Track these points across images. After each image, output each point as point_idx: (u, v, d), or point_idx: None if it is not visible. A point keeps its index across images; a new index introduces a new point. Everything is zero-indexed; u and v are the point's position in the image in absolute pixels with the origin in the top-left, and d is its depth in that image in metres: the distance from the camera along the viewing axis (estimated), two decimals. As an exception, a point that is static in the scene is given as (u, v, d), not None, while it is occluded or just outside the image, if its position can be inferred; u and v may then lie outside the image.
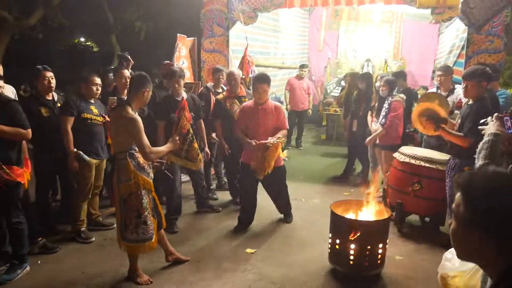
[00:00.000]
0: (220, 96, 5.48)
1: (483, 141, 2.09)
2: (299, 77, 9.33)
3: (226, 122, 5.37)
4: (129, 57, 5.60)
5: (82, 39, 21.69)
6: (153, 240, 3.56)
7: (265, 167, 4.57)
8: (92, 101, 4.59)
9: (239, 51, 7.41)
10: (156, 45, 16.22)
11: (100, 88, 4.63)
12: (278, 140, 4.59)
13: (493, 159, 1.99)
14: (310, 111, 9.68)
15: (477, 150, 2.09)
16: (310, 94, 9.53)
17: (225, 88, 5.75)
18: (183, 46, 7.39)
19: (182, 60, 7.25)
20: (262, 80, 4.69)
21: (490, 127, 2.16)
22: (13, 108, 3.60)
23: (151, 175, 3.61)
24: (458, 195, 1.27)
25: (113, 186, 3.64)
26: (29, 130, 3.68)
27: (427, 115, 4.14)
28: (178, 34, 7.35)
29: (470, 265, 2.89)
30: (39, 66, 4.37)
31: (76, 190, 4.55)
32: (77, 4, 14.27)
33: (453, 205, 1.28)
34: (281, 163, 4.90)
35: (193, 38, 7.79)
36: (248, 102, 4.92)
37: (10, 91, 4.54)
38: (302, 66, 9.44)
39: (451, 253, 3.21)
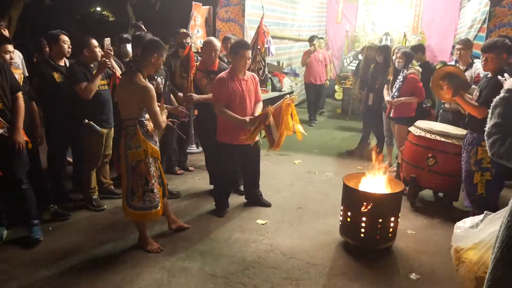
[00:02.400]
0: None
1: (499, 96, 1.98)
2: (310, 52, 9.05)
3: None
4: (142, 26, 5.54)
5: (98, 9, 21.63)
6: (158, 208, 3.58)
7: (278, 137, 4.12)
8: (92, 65, 4.38)
9: (254, 21, 7.28)
10: (172, 14, 16.07)
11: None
12: (289, 100, 4.06)
13: (508, 117, 1.91)
14: (327, 82, 9.44)
15: (492, 105, 2.00)
16: (328, 64, 9.27)
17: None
18: (198, 14, 7.28)
19: (197, 29, 7.16)
20: (247, 46, 4.26)
21: (509, 82, 2.05)
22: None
23: (158, 143, 3.61)
24: None
25: (119, 153, 3.62)
26: None
27: (449, 79, 4.05)
28: (194, 2, 7.24)
29: (483, 237, 2.87)
30: (54, 31, 4.33)
31: (85, 159, 4.54)
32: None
33: None
34: (255, 138, 4.39)
35: (208, 6, 7.67)
36: (223, 74, 4.27)
37: (17, 57, 4.49)
38: (311, 39, 9.09)
39: (462, 223, 3.20)
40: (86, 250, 3.68)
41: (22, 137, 3.58)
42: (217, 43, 4.76)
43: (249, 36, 7.31)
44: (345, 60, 11.30)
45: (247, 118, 4.20)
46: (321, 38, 9.39)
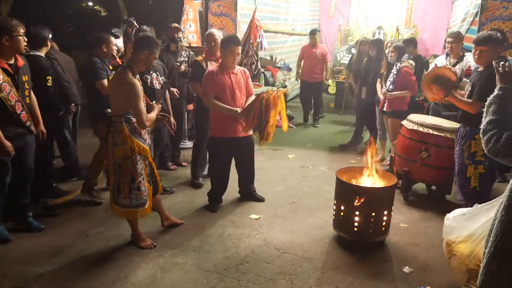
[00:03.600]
0: (199, 58, 5.03)
1: (493, 94, 2.01)
2: (311, 45, 8.48)
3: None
4: (134, 22, 5.49)
5: (90, 3, 21.44)
6: (146, 206, 3.54)
7: (268, 129, 4.14)
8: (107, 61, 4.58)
9: (247, 16, 7.25)
10: (165, 9, 15.96)
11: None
12: (279, 92, 4.14)
13: (503, 114, 1.92)
14: (326, 81, 9.13)
15: (486, 104, 2.02)
16: (328, 60, 8.77)
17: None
18: (190, 8, 7.25)
19: (189, 23, 7.13)
20: (237, 41, 4.28)
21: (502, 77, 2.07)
22: None
23: (148, 141, 3.57)
24: None
25: (107, 149, 3.58)
26: None
27: (438, 82, 4.07)
28: (186, -3, 7.21)
29: (474, 230, 2.89)
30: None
31: (100, 151, 4.57)
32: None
33: None
34: (249, 132, 4.44)
35: (201, 1, 7.63)
36: (213, 68, 4.33)
37: None
38: (313, 33, 8.51)
39: (452, 214, 3.22)
40: (79, 246, 3.66)
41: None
42: (217, 32, 5.07)
43: (241, 31, 7.27)
44: (338, 54, 11.29)
45: (238, 109, 4.19)
46: (319, 31, 8.89)
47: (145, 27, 4.92)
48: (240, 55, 4.32)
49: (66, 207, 4.44)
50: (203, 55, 5.06)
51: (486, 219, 2.76)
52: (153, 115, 3.51)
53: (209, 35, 5.04)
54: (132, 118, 3.39)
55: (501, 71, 2.04)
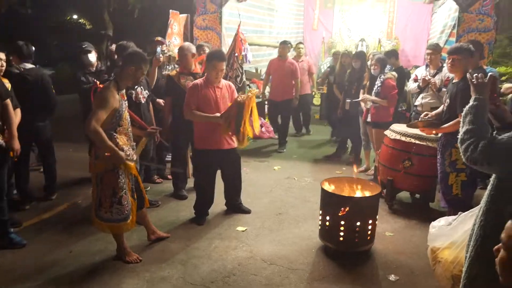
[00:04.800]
0: (172, 72, 5.00)
1: (469, 105, 2.07)
2: (281, 58, 7.49)
3: (179, 101, 4.69)
4: (111, 34, 5.50)
5: (75, 17, 21.38)
6: (128, 221, 3.50)
7: (245, 131, 4.16)
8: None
9: (232, 29, 7.32)
10: (151, 23, 16.00)
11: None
12: (250, 93, 4.17)
13: (479, 123, 1.98)
14: (314, 91, 9.04)
15: (463, 114, 2.08)
16: (313, 72, 8.72)
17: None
18: (175, 22, 7.28)
19: (174, 36, 7.15)
20: (222, 57, 4.27)
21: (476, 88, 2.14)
22: None
23: (133, 157, 3.52)
24: (510, 226, 1.25)
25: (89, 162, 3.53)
26: None
27: (423, 126, 4.16)
28: (171, 10, 7.24)
29: (458, 236, 2.94)
30: None
31: None
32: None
33: (503, 235, 1.25)
34: (234, 144, 4.44)
35: (186, 15, 7.69)
36: (198, 81, 4.35)
37: None
38: (283, 43, 7.59)
39: (437, 222, 3.28)
40: (63, 262, 3.62)
41: (18, 144, 3.70)
42: (192, 47, 5.02)
43: (226, 44, 7.34)
44: (322, 66, 11.41)
45: (217, 114, 4.18)
46: (301, 43, 8.71)
47: (125, 42, 4.93)
48: (224, 71, 4.32)
49: (50, 221, 4.40)
50: (177, 70, 5.05)
51: (469, 226, 2.82)
52: (108, 141, 3.24)
53: (181, 49, 5.00)
54: (114, 134, 3.36)
55: (475, 82, 2.11)
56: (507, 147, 1.81)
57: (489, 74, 2.14)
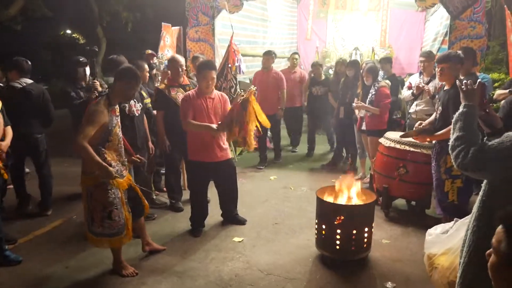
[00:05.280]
0: (161, 86, 4.99)
1: (459, 112, 2.08)
2: (265, 70, 7.19)
3: (170, 114, 4.81)
4: (97, 49, 5.49)
5: (69, 31, 21.45)
6: (122, 235, 3.46)
7: (249, 132, 4.17)
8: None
9: (225, 40, 7.34)
10: (143, 36, 16.09)
11: None
12: (250, 90, 4.16)
13: (469, 130, 1.99)
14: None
15: (453, 121, 2.09)
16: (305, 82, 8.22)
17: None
18: (167, 35, 7.33)
19: (167, 49, 7.19)
20: (211, 66, 4.30)
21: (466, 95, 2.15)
22: None
23: (123, 172, 3.48)
24: (500, 231, 1.25)
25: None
26: None
27: (417, 134, 4.17)
28: (163, 23, 7.29)
29: (454, 243, 2.94)
30: None
31: None
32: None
33: (494, 240, 1.26)
34: (229, 156, 4.50)
35: (178, 27, 7.72)
36: (191, 92, 4.39)
37: None
38: (266, 53, 7.23)
39: (434, 229, 3.27)
40: (59, 278, 3.59)
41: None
42: (181, 58, 5.02)
43: (220, 55, 7.37)
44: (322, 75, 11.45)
45: (214, 125, 4.18)
46: (296, 53, 8.43)
47: (115, 56, 4.93)
48: (214, 80, 4.35)
49: (45, 237, 4.37)
50: (166, 82, 5.05)
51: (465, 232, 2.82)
52: (95, 156, 3.22)
53: (173, 61, 4.97)
54: (102, 149, 3.32)
55: (464, 89, 2.12)
56: (497, 153, 1.82)
57: (478, 80, 2.16)
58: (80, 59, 5.24)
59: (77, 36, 21.43)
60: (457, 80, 2.23)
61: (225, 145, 4.44)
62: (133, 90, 3.48)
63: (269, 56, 7.09)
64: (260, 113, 4.28)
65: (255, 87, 4.29)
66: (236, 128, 4.17)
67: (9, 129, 4.14)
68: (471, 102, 2.08)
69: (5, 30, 14.25)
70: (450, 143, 2.04)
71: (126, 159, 3.56)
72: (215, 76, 4.34)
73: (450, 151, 2.03)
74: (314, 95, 7.56)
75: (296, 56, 8.12)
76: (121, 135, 3.50)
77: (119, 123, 3.48)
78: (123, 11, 15.88)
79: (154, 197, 5.29)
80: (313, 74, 7.64)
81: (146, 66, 4.85)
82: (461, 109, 2.08)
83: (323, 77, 7.73)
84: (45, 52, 21.06)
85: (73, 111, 5.09)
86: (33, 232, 4.52)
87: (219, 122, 4.22)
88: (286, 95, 7.17)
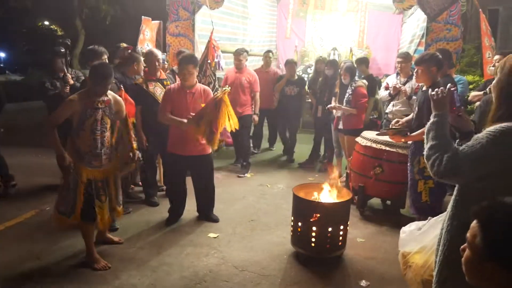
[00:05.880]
0: (139, 80, 4.91)
1: (430, 122, 2.11)
2: (238, 68, 6.67)
3: (147, 108, 4.79)
4: (69, 42, 5.39)
5: (47, 23, 21.02)
6: (67, 217, 3.51)
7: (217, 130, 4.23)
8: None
9: (205, 36, 7.31)
10: (123, 30, 15.84)
11: None
12: (224, 90, 4.20)
13: (441, 138, 2.02)
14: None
15: (425, 131, 2.12)
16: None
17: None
18: (147, 28, 7.25)
19: (146, 43, 7.11)
20: (188, 60, 4.31)
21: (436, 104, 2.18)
22: None
23: (92, 163, 3.51)
24: (475, 225, 1.26)
25: None
26: None
27: (393, 134, 4.21)
28: (143, 17, 7.21)
29: (428, 241, 2.98)
30: None
31: None
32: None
33: (468, 234, 1.27)
34: (208, 151, 4.51)
35: (158, 21, 7.65)
36: (174, 85, 4.51)
37: None
38: (238, 52, 6.67)
39: (408, 227, 3.32)
40: (31, 270, 3.52)
41: None
42: (158, 52, 5.05)
43: (199, 51, 7.33)
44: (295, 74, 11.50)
45: (184, 120, 4.21)
46: (270, 51, 8.02)
47: (96, 46, 4.84)
48: (192, 73, 4.33)
49: (16, 228, 4.27)
50: (143, 76, 5.01)
51: (439, 231, 2.87)
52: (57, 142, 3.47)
53: (150, 55, 4.96)
54: (76, 138, 3.50)
55: (434, 98, 2.15)
56: (469, 156, 1.86)
57: (448, 86, 2.18)
58: (58, 50, 5.15)
59: (55, 28, 20.98)
60: (429, 90, 2.26)
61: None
62: (102, 88, 3.50)
63: (239, 54, 6.55)
64: (232, 114, 4.31)
65: (229, 87, 4.30)
66: (203, 125, 4.17)
67: None
68: (442, 111, 2.10)
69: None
70: (425, 152, 2.06)
71: (102, 152, 3.54)
72: (192, 70, 4.32)
73: (425, 160, 2.05)
74: (287, 95, 7.16)
75: (270, 54, 7.74)
76: (98, 129, 3.49)
77: (99, 118, 3.49)
78: (102, 4, 15.63)
79: (130, 191, 5.25)
80: (284, 73, 7.38)
81: (142, 59, 4.89)
82: (432, 118, 2.11)
83: (296, 76, 7.34)
84: (22, 42, 20.63)
85: (48, 103, 5.02)
86: (4, 223, 4.42)
87: (191, 115, 4.20)
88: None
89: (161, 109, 4.35)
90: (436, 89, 2.16)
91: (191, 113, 4.21)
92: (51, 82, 4.98)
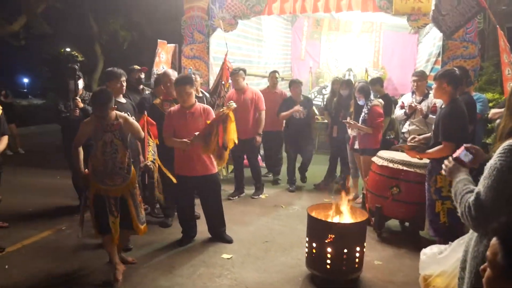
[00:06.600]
0: (157, 101, 5.00)
1: (452, 186, 2.06)
2: (239, 92, 6.30)
3: (162, 128, 4.68)
4: (76, 67, 5.39)
5: (68, 49, 21.59)
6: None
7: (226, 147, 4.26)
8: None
9: (220, 59, 7.39)
10: (140, 53, 16.17)
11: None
12: (229, 106, 4.21)
13: (463, 192, 1.96)
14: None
15: (452, 194, 2.06)
16: None
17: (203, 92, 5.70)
18: (163, 51, 7.36)
19: (162, 65, 7.20)
20: (183, 82, 4.31)
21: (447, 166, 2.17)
22: None
23: (105, 181, 3.61)
24: (495, 243, 1.21)
25: None
26: None
27: (409, 149, 4.14)
28: (159, 40, 7.32)
29: (450, 264, 2.87)
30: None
31: None
32: (61, 13, 14.13)
33: (488, 253, 1.22)
34: (214, 170, 4.51)
35: (174, 45, 7.77)
36: (175, 107, 4.52)
37: None
38: (233, 73, 6.36)
39: (429, 249, 3.20)
40: (45, 287, 3.50)
41: None
42: (172, 73, 5.04)
43: (214, 73, 7.40)
44: (310, 95, 11.52)
45: (186, 140, 4.20)
46: (276, 71, 7.60)
47: (115, 69, 4.88)
48: (190, 94, 4.32)
49: (32, 247, 4.35)
50: (161, 97, 5.06)
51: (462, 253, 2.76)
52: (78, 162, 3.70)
53: (164, 76, 5.02)
54: (89, 158, 3.66)
55: (447, 171, 2.14)
56: (491, 188, 1.79)
57: (449, 159, 2.17)
58: (68, 73, 5.21)
59: (76, 54, 21.51)
60: (445, 161, 2.22)
61: (209, 159, 4.43)
62: (103, 113, 3.56)
63: (236, 73, 6.22)
64: (234, 131, 4.30)
65: (234, 104, 4.29)
66: (212, 142, 4.17)
67: (4, 138, 4.47)
68: (457, 177, 2.07)
69: (7, 46, 14.37)
70: (458, 211, 2.00)
71: (114, 172, 3.62)
72: (190, 90, 4.31)
73: (461, 218, 1.97)
74: (295, 118, 6.60)
75: (276, 74, 7.43)
76: (108, 151, 3.60)
77: (108, 140, 3.59)
78: (121, 30, 16.03)
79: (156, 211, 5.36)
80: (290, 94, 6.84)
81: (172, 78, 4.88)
82: (453, 183, 2.08)
83: (301, 98, 6.78)
84: (45, 68, 21.26)
85: (61, 125, 5.14)
86: (21, 242, 4.47)
87: (195, 134, 4.19)
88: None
89: (165, 133, 4.39)
90: (443, 164, 2.16)
91: (195, 133, 4.20)
92: (65, 105, 5.05)
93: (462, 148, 2.17)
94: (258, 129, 6.20)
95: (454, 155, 2.17)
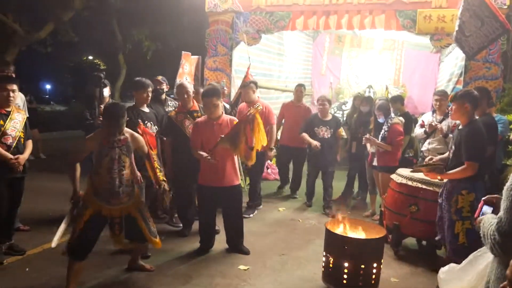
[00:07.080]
0: (171, 113, 5.06)
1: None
2: (248, 102, 5.99)
3: (177, 141, 4.91)
4: (102, 75, 5.49)
5: (91, 57, 22.05)
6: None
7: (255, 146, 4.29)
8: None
9: (242, 71, 7.51)
10: (163, 64, 16.39)
11: None
12: (256, 108, 4.26)
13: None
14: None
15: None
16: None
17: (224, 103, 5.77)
18: (187, 62, 7.50)
19: (185, 76, 7.34)
20: (211, 94, 4.36)
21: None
22: None
23: (110, 200, 3.53)
24: None
25: None
26: None
27: (427, 171, 4.14)
28: (183, 52, 7.47)
29: (469, 278, 2.86)
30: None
31: None
32: (87, 21, 14.44)
33: (508, 272, 1.24)
34: (237, 181, 4.57)
35: (197, 56, 7.91)
36: (201, 118, 4.57)
37: (19, 99, 4.84)
38: (243, 85, 6.45)
39: (446, 268, 3.19)
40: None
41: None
42: (187, 84, 5.18)
43: (236, 86, 7.51)
44: (330, 111, 11.52)
45: (204, 154, 4.23)
46: (301, 85, 7.39)
47: (143, 79, 4.97)
48: (217, 105, 4.38)
49: (51, 250, 4.37)
50: (176, 110, 5.14)
51: (480, 267, 2.76)
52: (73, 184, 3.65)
53: (180, 87, 5.09)
54: (93, 175, 3.57)
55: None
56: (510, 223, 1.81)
57: (478, 220, 2.18)
58: (94, 81, 5.33)
59: (98, 62, 21.96)
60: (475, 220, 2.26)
61: (234, 170, 4.49)
62: (115, 128, 3.51)
63: (247, 87, 6.05)
64: (262, 131, 4.33)
65: (261, 106, 4.37)
66: (240, 143, 4.21)
67: (29, 143, 4.46)
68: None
69: (34, 53, 14.71)
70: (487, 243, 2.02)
71: (121, 190, 3.54)
72: (217, 102, 4.37)
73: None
74: (319, 137, 6.32)
75: (302, 88, 7.19)
76: (115, 168, 3.50)
77: (115, 157, 3.50)
78: (145, 40, 16.29)
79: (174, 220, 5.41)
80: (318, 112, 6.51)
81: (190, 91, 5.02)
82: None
83: (329, 116, 6.51)
84: (67, 75, 21.73)
85: (85, 132, 5.23)
86: (42, 246, 4.55)
87: (221, 136, 4.22)
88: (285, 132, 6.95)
89: (192, 145, 4.45)
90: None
91: (221, 135, 4.25)
92: (90, 112, 5.14)
93: (481, 204, 2.21)
94: (269, 143, 5.69)
95: (477, 216, 2.21)
